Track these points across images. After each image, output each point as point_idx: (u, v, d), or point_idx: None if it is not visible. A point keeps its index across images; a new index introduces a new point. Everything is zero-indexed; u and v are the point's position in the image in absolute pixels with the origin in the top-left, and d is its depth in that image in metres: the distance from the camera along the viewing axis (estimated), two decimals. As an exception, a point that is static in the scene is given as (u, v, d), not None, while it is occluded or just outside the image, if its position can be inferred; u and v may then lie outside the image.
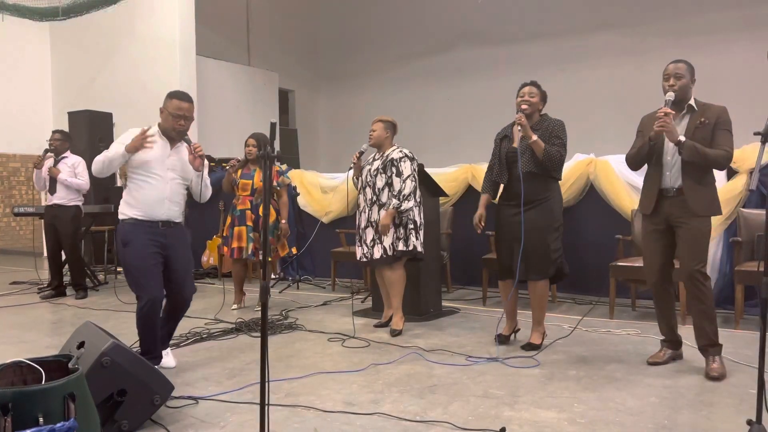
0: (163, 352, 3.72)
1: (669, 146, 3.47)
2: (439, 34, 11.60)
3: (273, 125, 2.47)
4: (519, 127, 3.86)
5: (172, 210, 3.58)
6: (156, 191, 3.51)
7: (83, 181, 6.19)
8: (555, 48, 10.34)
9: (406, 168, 4.38)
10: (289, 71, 12.24)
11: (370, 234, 4.48)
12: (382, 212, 4.40)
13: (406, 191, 4.34)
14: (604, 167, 5.58)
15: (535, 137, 3.81)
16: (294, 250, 5.83)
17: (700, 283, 3.40)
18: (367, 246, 4.50)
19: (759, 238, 4.74)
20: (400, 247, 4.39)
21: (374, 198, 4.47)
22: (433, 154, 5.09)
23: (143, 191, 3.50)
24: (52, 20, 8.47)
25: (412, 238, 4.41)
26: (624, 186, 5.48)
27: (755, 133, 2.54)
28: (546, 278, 3.98)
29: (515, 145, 3.97)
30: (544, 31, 10.46)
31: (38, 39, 10.69)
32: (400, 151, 4.46)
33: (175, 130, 3.54)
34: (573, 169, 5.71)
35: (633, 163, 3.69)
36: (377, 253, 4.43)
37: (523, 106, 3.89)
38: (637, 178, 5.42)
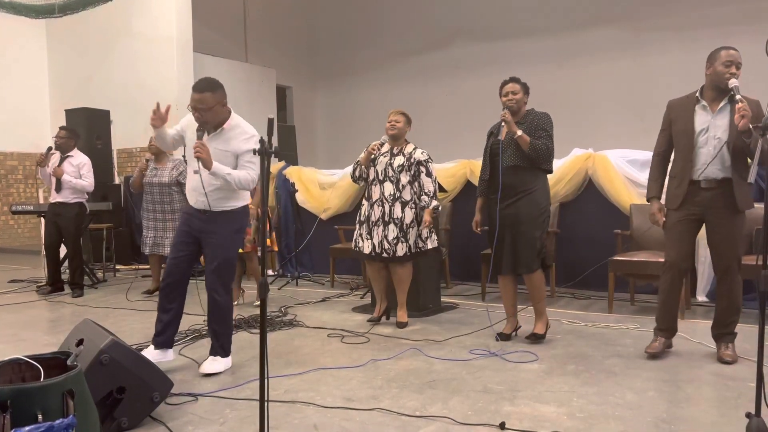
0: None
1: (708, 136, 3.42)
2: (437, 30, 11.58)
3: (271, 121, 2.46)
4: (503, 124, 3.90)
5: (202, 201, 3.47)
6: (192, 182, 3.49)
7: (87, 182, 6.10)
8: (553, 43, 10.33)
9: (432, 169, 4.54)
10: (287, 67, 12.21)
11: (392, 231, 4.45)
12: (407, 210, 4.45)
13: (435, 191, 4.52)
14: (602, 162, 5.57)
15: (519, 132, 3.84)
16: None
17: (737, 274, 3.47)
18: (388, 242, 4.46)
19: (758, 232, 4.73)
20: (420, 245, 4.49)
21: (397, 194, 4.47)
22: (431, 149, 5.07)
23: (187, 182, 3.58)
24: (48, 17, 8.44)
25: (434, 236, 4.57)
26: (622, 181, 5.48)
27: (753, 127, 2.54)
28: (531, 272, 3.98)
29: (501, 137, 3.99)
30: (542, 27, 10.44)
31: (35, 36, 10.64)
32: (423, 152, 4.54)
33: (198, 122, 3.43)
34: (571, 164, 5.71)
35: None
36: (401, 250, 4.44)
37: (510, 104, 3.93)
38: (636, 172, 5.44)
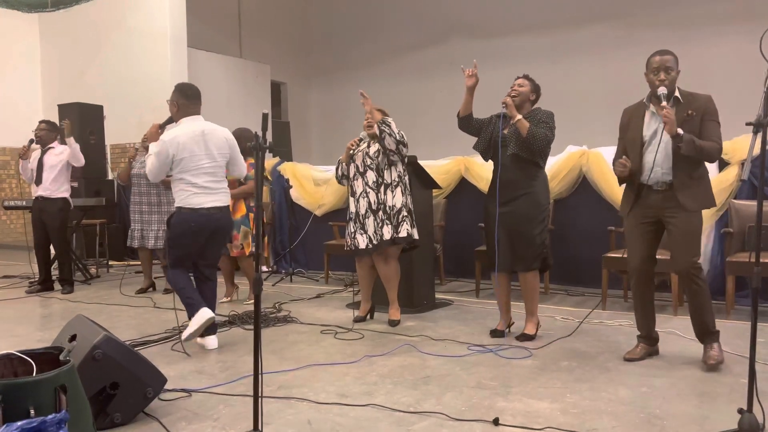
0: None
1: (656, 141, 3.40)
2: (432, 26, 11.57)
3: (265, 116, 2.45)
4: (504, 106, 3.89)
5: None
6: None
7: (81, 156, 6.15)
8: (547, 40, 10.33)
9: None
10: (281, 63, 12.17)
11: (380, 215, 4.41)
12: (389, 193, 4.40)
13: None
14: (596, 159, 5.59)
15: (519, 116, 3.85)
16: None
17: (696, 277, 3.37)
18: (378, 228, 4.40)
19: (750, 229, 4.76)
20: (397, 232, 4.38)
21: (380, 179, 4.44)
22: (426, 146, 5.08)
23: None
24: (41, 11, 8.38)
25: (405, 225, 4.40)
26: (616, 178, 5.48)
27: (747, 124, 2.54)
28: (531, 270, 3.99)
29: (505, 131, 3.98)
30: (537, 24, 10.45)
31: (27, 31, 10.57)
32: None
33: None
34: (565, 161, 5.72)
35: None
36: (387, 233, 4.37)
37: (513, 94, 3.93)
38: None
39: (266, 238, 5.57)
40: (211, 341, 3.95)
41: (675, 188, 3.37)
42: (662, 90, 3.32)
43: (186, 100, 3.96)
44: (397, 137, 4.35)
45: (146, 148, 5.94)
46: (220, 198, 3.95)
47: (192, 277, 3.99)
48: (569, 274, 5.78)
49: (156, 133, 4.05)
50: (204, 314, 3.78)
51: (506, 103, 3.89)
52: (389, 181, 4.45)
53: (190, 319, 3.82)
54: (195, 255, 3.98)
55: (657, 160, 3.39)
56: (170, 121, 4.08)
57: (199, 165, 3.85)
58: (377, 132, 4.37)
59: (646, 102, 3.52)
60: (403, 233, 4.38)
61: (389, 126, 4.37)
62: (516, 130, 3.88)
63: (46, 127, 6.15)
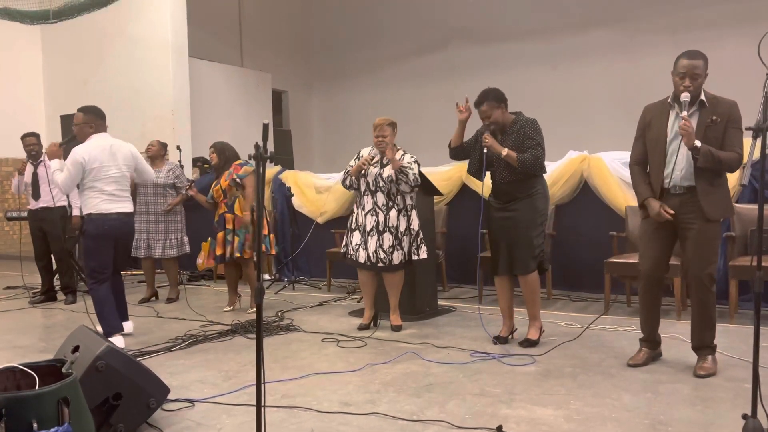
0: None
1: (677, 143, 3.35)
2: (432, 32, 11.61)
3: (265, 126, 2.46)
4: (485, 150, 3.92)
5: None
6: None
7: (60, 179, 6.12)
8: (547, 45, 10.35)
9: (416, 169, 4.52)
10: (282, 72, 12.22)
11: (387, 239, 4.46)
12: (401, 218, 4.48)
13: (414, 175, 4.47)
14: (597, 164, 5.58)
15: (505, 152, 3.86)
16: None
17: (707, 288, 3.34)
18: (384, 251, 4.47)
19: (752, 233, 4.75)
20: (414, 254, 4.55)
21: (390, 203, 4.49)
22: (427, 153, 5.08)
23: None
24: (43, 23, 8.43)
25: (424, 246, 4.60)
26: (618, 182, 5.49)
27: (746, 128, 2.55)
28: (527, 273, 4.00)
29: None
30: (538, 29, 10.47)
31: (30, 42, 10.63)
32: (411, 157, 4.51)
33: None
34: (567, 167, 5.72)
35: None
36: (397, 258, 4.48)
37: (491, 128, 3.96)
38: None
39: (273, 236, 5.59)
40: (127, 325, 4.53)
41: (698, 195, 3.31)
42: (685, 97, 3.23)
43: (100, 120, 4.48)
44: (412, 183, 4.44)
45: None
46: (125, 205, 4.40)
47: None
48: (571, 280, 5.77)
49: (56, 150, 4.57)
50: (116, 342, 4.03)
51: (488, 145, 3.90)
52: (402, 206, 4.51)
53: (105, 333, 4.17)
54: (109, 262, 4.34)
55: (679, 163, 3.35)
56: (72, 139, 4.47)
57: (108, 174, 4.29)
58: (395, 176, 4.42)
59: (671, 102, 3.44)
60: (423, 255, 4.57)
61: (406, 175, 4.41)
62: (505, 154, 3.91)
63: (36, 141, 6.11)
